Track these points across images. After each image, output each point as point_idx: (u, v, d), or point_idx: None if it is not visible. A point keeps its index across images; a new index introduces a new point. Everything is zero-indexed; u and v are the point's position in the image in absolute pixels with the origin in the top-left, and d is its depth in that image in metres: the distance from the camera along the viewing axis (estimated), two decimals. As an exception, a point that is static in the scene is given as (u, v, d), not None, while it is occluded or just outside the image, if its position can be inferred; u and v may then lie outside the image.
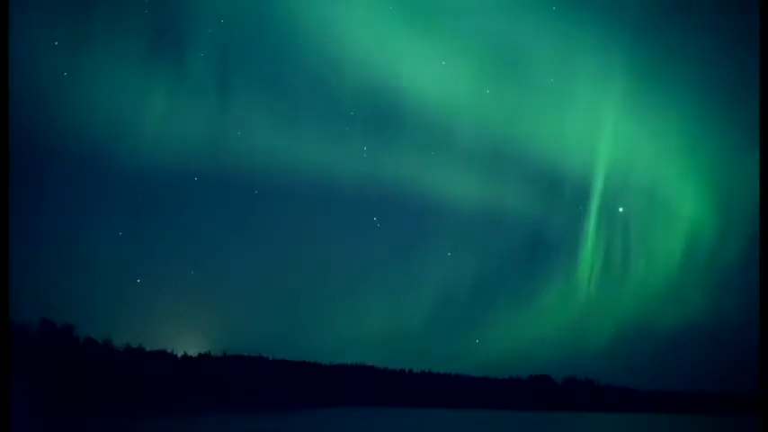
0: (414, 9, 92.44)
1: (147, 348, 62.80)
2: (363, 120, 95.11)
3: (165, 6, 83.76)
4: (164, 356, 64.62)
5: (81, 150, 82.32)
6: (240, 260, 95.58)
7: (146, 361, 59.21)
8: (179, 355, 67.92)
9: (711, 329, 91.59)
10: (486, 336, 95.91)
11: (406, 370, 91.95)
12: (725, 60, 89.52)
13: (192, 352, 70.18)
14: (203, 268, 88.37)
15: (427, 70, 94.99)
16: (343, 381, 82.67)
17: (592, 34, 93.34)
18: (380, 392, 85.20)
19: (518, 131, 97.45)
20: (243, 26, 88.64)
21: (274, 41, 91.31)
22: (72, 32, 77.68)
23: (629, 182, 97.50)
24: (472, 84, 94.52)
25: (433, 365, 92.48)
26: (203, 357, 70.67)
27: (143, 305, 76.01)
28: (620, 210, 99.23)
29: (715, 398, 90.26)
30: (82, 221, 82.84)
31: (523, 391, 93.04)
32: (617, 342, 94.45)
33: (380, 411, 65.33)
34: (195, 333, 74.91)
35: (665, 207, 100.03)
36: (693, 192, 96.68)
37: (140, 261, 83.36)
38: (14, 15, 62.33)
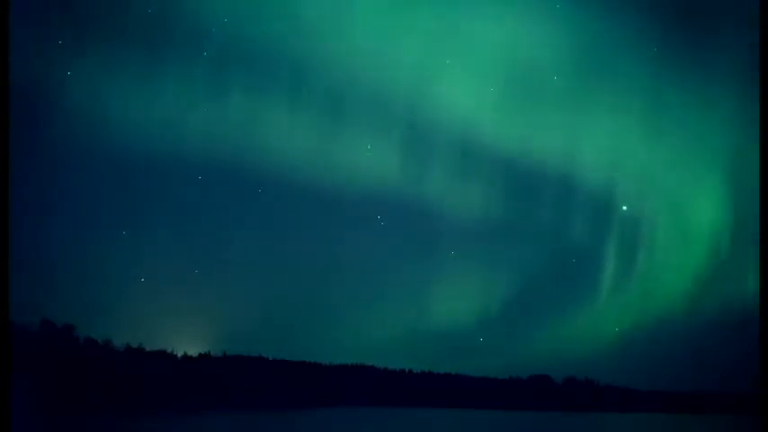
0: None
1: (147, 348, 62.87)
2: (368, 119, 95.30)
3: (169, 5, 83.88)
4: (164, 356, 64.60)
5: (84, 150, 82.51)
6: (242, 260, 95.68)
7: (146, 361, 59.18)
8: (179, 355, 68.00)
9: (713, 329, 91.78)
10: (491, 337, 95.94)
11: (406, 370, 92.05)
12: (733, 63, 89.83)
13: (192, 352, 70.27)
14: (206, 268, 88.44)
15: (441, 74, 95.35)
16: (343, 381, 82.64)
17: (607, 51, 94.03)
18: (380, 392, 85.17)
19: (529, 136, 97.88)
20: (246, 26, 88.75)
21: (278, 42, 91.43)
22: (76, 32, 77.85)
23: (649, 185, 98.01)
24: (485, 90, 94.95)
25: (437, 366, 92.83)
26: (203, 357, 70.66)
27: (145, 305, 76.15)
28: (624, 208, 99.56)
29: (715, 398, 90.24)
30: (85, 221, 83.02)
31: (523, 391, 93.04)
32: (618, 342, 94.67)
33: (380, 411, 65.31)
34: (195, 333, 75.01)
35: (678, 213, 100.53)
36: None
37: (144, 260, 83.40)
38: (18, 15, 62.41)
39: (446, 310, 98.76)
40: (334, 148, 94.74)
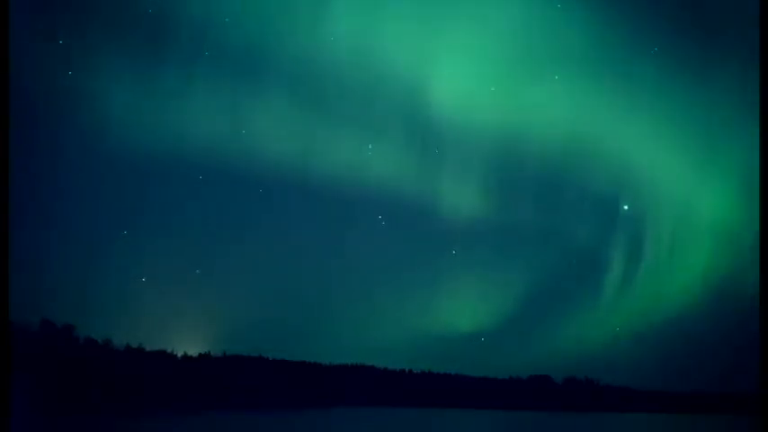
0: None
1: (147, 348, 62.85)
2: (369, 119, 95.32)
3: (169, 5, 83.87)
4: (164, 356, 64.59)
5: (84, 149, 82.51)
6: (242, 260, 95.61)
7: (146, 361, 59.17)
8: (179, 355, 67.99)
9: (713, 329, 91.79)
10: (492, 337, 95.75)
11: (406, 370, 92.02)
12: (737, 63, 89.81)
13: (192, 352, 70.25)
14: (206, 268, 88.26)
15: (442, 73, 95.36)
16: (343, 381, 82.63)
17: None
18: (380, 392, 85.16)
19: (530, 135, 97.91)
20: (247, 26, 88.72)
21: (279, 41, 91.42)
22: (76, 32, 77.86)
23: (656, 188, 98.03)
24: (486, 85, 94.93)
25: (437, 366, 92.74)
26: (203, 357, 70.64)
27: (146, 305, 76.07)
28: (625, 207, 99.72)
29: (715, 398, 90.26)
30: (85, 221, 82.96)
31: (523, 391, 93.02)
32: (618, 342, 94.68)
33: (380, 411, 65.31)
34: (195, 333, 74.98)
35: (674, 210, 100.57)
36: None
37: (144, 260, 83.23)
38: (18, 15, 62.39)
39: (447, 310, 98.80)
40: (334, 148, 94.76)
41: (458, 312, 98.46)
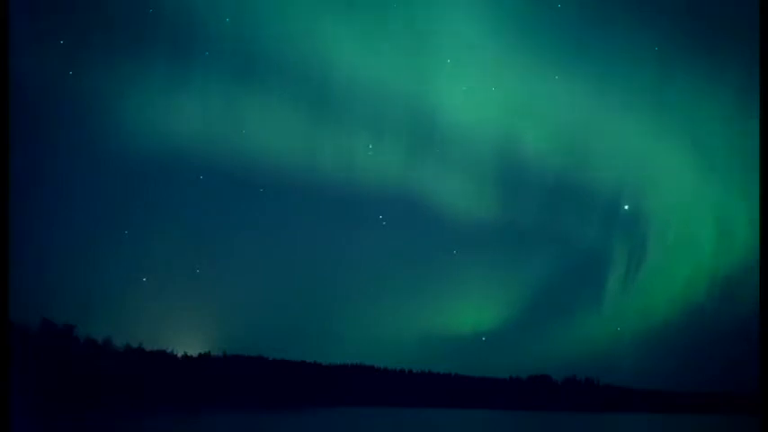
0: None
1: (147, 348, 62.90)
2: (369, 119, 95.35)
3: (169, 5, 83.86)
4: (164, 356, 64.63)
5: (85, 149, 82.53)
6: (243, 260, 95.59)
7: (146, 361, 59.20)
8: (179, 355, 68.02)
9: (712, 329, 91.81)
10: (492, 337, 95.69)
11: (406, 370, 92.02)
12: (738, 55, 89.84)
13: (192, 352, 70.29)
14: (207, 268, 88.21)
15: (443, 73, 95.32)
16: (343, 381, 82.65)
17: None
18: (380, 392, 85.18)
19: (530, 135, 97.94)
20: (247, 27, 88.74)
21: (279, 42, 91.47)
22: (77, 32, 77.89)
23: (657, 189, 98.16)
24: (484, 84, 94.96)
25: (437, 366, 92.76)
26: (203, 357, 70.68)
27: (146, 305, 76.04)
28: (626, 207, 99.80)
29: (715, 398, 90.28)
30: (85, 221, 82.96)
31: (523, 391, 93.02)
32: (618, 342, 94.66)
33: (380, 411, 65.31)
34: (195, 333, 74.96)
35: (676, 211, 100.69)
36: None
37: (145, 260, 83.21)
38: (19, 15, 62.38)
39: (447, 310, 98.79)
40: (335, 148, 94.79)
41: (458, 312, 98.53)
